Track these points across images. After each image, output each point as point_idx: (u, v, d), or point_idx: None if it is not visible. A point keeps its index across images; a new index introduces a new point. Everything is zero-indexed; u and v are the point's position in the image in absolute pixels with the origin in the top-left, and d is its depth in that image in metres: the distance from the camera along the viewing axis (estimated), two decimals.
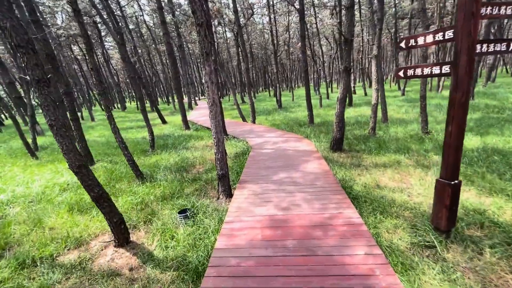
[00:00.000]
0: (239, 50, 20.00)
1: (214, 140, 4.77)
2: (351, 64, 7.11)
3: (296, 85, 49.56)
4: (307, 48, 20.58)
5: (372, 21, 9.36)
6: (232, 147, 8.59)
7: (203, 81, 4.47)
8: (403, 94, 20.39)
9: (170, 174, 6.56)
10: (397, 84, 28.08)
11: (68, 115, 7.69)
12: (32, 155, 9.26)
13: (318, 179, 4.95)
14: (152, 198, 5.31)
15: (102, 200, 3.37)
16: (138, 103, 8.69)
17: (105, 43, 29.11)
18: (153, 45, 29.00)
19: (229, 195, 4.96)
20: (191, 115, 18.82)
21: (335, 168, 6.03)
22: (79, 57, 32.27)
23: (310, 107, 11.59)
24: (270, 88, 41.39)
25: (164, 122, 16.72)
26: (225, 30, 29.98)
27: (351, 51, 6.68)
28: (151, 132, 9.24)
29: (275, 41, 20.40)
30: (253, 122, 13.20)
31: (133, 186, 5.94)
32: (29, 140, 10.65)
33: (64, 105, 7.63)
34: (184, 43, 29.45)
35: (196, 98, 34.81)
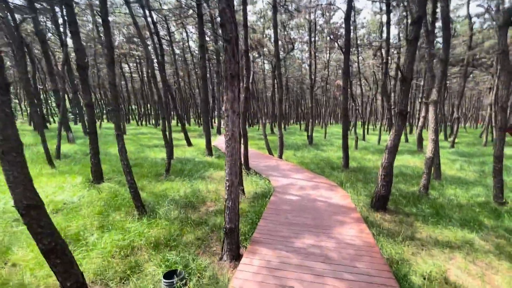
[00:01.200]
0: (275, 81, 19.68)
1: (226, 183, 3.73)
2: (408, 107, 5.89)
3: (329, 122, 48.22)
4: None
5: (430, 62, 8.17)
6: (252, 185, 7.48)
7: (223, 109, 3.54)
8: (452, 146, 17.98)
9: (175, 210, 5.58)
10: (443, 133, 25.41)
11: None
12: (50, 163, 9.02)
13: (359, 257, 3.56)
14: (143, 242, 4.29)
15: (54, 256, 2.40)
16: (160, 122, 8.19)
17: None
18: (194, 70, 30.40)
19: (235, 257, 3.77)
20: (217, 140, 18.28)
21: (380, 238, 4.56)
22: (127, 74, 35.13)
23: (346, 148, 10.25)
24: (302, 122, 40.44)
25: (189, 144, 16.29)
26: (263, 62, 30.57)
27: (408, 92, 5.50)
28: (168, 156, 8.57)
29: (313, 76, 19.83)
30: (280, 157, 12.09)
31: (128, 220, 5.01)
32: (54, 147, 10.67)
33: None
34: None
35: None
